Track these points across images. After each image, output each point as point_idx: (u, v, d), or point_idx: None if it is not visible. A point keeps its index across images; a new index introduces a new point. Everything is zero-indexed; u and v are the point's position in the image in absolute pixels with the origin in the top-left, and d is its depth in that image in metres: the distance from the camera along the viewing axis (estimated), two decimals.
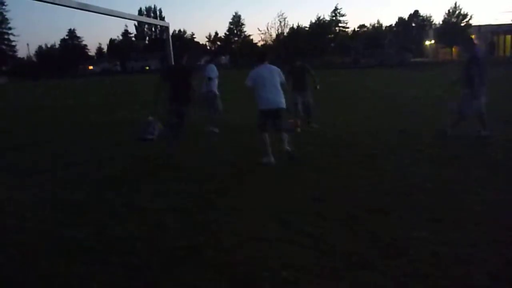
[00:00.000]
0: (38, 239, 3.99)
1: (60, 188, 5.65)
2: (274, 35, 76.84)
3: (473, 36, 12.14)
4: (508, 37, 60.25)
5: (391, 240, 3.62)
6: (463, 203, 4.46)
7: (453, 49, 68.42)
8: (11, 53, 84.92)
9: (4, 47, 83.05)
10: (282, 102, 6.51)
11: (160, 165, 6.73)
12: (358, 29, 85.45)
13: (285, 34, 76.24)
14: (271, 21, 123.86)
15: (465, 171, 5.62)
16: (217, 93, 9.45)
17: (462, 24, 66.62)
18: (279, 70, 6.72)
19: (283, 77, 6.73)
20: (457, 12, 67.55)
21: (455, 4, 68.40)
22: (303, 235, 3.77)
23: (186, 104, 6.95)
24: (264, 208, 4.54)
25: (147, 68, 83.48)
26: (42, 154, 7.98)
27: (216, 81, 9.46)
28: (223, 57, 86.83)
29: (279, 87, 6.55)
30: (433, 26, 77.13)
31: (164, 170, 6.37)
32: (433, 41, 73.96)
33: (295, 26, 77.03)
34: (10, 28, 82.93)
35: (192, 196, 5.03)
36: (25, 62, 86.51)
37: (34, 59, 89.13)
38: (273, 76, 6.56)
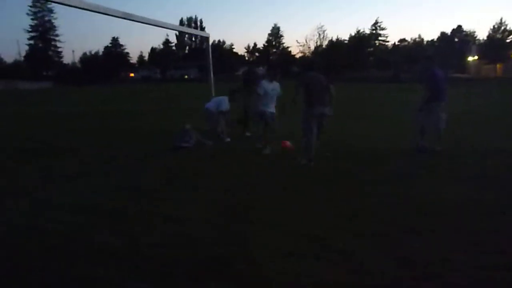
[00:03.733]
0: (74, 243, 4.09)
1: (97, 194, 5.76)
2: (312, 48, 76.94)
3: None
4: None
5: (425, 261, 3.53)
6: (502, 225, 4.31)
7: (498, 65, 66.48)
8: (57, 59, 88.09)
9: (50, 53, 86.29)
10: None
11: (195, 174, 6.81)
12: (399, 43, 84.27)
13: (323, 46, 76.15)
14: (310, 34, 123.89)
15: (503, 192, 5.43)
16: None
17: (508, 41, 64.66)
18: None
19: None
20: (502, 28, 65.68)
21: (501, 19, 66.39)
22: (335, 252, 3.72)
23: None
24: (296, 223, 4.51)
25: (186, 76, 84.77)
26: (80, 161, 8.18)
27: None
28: (260, 68, 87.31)
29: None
30: (476, 42, 75.24)
31: (199, 179, 6.43)
32: (476, 57, 72.13)
33: (334, 39, 76.86)
34: (57, 35, 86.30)
35: (225, 207, 5.05)
36: (70, 68, 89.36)
37: (78, 65, 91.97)
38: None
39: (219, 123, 9.72)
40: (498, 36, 65.62)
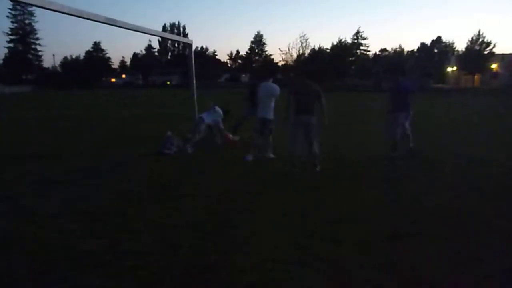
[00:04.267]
0: (54, 249, 4.02)
1: (78, 199, 5.70)
2: (295, 56, 77.33)
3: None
4: None
5: (409, 267, 3.55)
6: (483, 234, 4.37)
7: (475, 76, 67.91)
8: (37, 62, 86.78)
9: (30, 56, 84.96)
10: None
11: (179, 180, 6.76)
12: (380, 52, 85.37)
13: (306, 55, 76.62)
14: (293, 42, 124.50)
15: (486, 201, 5.51)
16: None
17: (486, 52, 66.12)
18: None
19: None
20: (480, 39, 67.15)
21: (479, 31, 67.90)
22: (318, 259, 3.72)
23: None
24: (280, 229, 4.51)
25: (169, 82, 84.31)
26: (62, 165, 8.06)
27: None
28: (243, 75, 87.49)
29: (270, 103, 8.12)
30: (455, 52, 76.70)
31: (182, 186, 6.39)
32: (455, 68, 73.52)
33: (316, 48, 77.41)
34: (37, 39, 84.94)
35: (209, 214, 5.03)
36: (50, 72, 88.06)
37: (59, 69, 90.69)
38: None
39: (213, 132, 10.08)
40: (476, 47, 67.00)
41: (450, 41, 79.26)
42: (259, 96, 8.29)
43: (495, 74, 68.09)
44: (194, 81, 11.24)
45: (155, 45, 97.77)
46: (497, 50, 66.72)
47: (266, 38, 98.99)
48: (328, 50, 77.89)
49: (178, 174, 7.25)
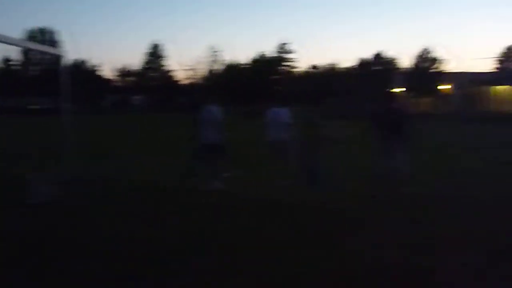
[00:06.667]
0: None
1: None
2: (202, 73, 77.82)
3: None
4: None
5: None
6: None
7: (425, 99, 72.06)
8: None
9: None
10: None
11: (64, 243, 6.39)
12: (311, 69, 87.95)
13: (218, 71, 77.47)
14: (200, 55, 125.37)
15: None
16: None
17: (434, 70, 70.96)
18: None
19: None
20: (427, 56, 72.10)
21: (425, 48, 72.93)
22: None
23: None
24: None
25: (34, 107, 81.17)
26: None
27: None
28: (135, 97, 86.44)
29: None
30: (399, 71, 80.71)
31: (70, 252, 6.02)
32: (403, 89, 77.42)
33: (229, 62, 78.63)
34: None
35: None
36: None
37: None
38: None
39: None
40: (425, 65, 71.73)
41: (393, 57, 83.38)
42: (207, 120, 10.40)
43: (445, 97, 72.44)
44: (68, 105, 11.06)
45: (18, 56, 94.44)
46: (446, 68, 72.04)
47: (166, 50, 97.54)
48: (247, 66, 79.24)
49: (62, 231, 6.92)
